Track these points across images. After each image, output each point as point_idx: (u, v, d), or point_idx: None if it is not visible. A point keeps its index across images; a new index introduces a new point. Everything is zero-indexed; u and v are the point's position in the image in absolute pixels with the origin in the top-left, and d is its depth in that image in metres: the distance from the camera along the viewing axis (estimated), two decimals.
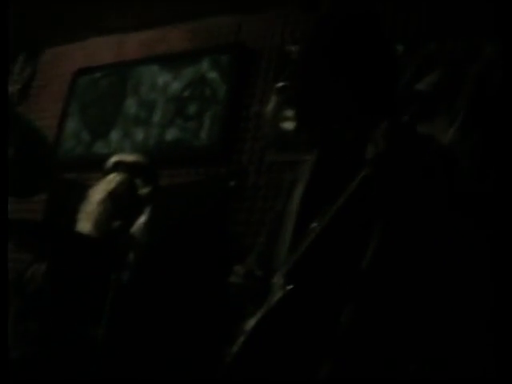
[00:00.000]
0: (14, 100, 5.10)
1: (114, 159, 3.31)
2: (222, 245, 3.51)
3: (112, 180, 3.18)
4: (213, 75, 4.09)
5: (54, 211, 4.26)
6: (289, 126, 3.65)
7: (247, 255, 2.29)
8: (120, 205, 3.12)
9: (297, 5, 3.69)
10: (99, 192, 3.16)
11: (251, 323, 1.94)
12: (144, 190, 3.16)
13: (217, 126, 3.93)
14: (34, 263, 3.22)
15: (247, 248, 3.50)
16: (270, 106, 3.79)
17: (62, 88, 4.87)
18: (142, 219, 3.08)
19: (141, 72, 4.44)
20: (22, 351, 2.82)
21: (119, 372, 2.83)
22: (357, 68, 1.91)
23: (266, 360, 1.85)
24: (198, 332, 3.27)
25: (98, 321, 2.60)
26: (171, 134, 4.11)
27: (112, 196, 3.12)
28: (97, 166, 3.43)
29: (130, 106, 4.40)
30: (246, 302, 2.05)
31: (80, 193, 3.64)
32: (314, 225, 1.84)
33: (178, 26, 4.51)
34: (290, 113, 3.66)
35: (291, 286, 1.83)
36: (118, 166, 3.25)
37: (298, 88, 2.02)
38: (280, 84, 3.80)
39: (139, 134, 4.25)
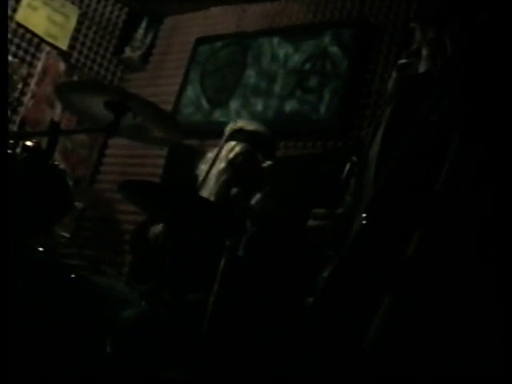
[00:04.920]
0: (136, 65, 5.23)
1: (234, 126, 3.24)
2: None
3: (232, 149, 3.13)
4: (334, 49, 4.07)
5: (172, 176, 4.37)
6: None
7: None
8: (240, 174, 3.11)
9: None
10: (220, 160, 3.12)
11: (329, 269, 1.84)
12: (264, 165, 3.14)
13: (336, 100, 3.92)
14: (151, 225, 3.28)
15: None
16: (390, 84, 3.75)
17: (182, 56, 4.95)
18: (262, 191, 3.09)
19: (261, 43, 4.46)
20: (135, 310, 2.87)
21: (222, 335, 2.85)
22: None
23: (343, 307, 1.76)
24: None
25: (210, 286, 2.64)
26: (290, 106, 4.13)
27: (232, 166, 3.09)
28: (215, 134, 3.43)
29: (250, 76, 4.43)
30: (325, 247, 1.97)
31: (198, 159, 3.70)
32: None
33: None
34: None
35: (364, 222, 1.73)
36: (238, 134, 3.19)
37: None
38: (401, 61, 3.76)
39: (258, 105, 4.28)
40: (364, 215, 1.80)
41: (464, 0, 1.81)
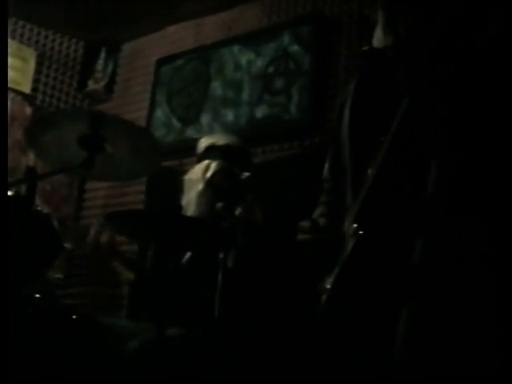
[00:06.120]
0: (102, 96, 5.21)
1: (205, 143, 3.20)
2: None
3: (208, 167, 3.09)
4: (295, 48, 4.10)
5: (154, 199, 4.35)
6: None
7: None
8: (220, 191, 3.07)
9: None
10: (197, 181, 3.08)
11: (330, 280, 1.83)
12: (242, 177, 3.10)
13: (305, 97, 3.93)
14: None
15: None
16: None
17: (146, 79, 4.94)
18: (245, 201, 3.06)
19: (222, 53, 4.47)
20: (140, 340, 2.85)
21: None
22: None
23: (351, 315, 1.77)
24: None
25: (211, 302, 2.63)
26: (261, 111, 4.14)
27: (211, 185, 3.05)
28: (191, 151, 3.40)
29: (216, 88, 4.43)
30: (319, 258, 1.96)
31: (177, 179, 3.68)
32: (370, 171, 1.77)
33: (253, 3, 4.52)
34: None
35: (361, 232, 1.74)
36: (210, 151, 3.15)
37: None
38: (365, 48, 3.77)
39: (229, 115, 4.29)
40: (355, 225, 1.79)
41: None
